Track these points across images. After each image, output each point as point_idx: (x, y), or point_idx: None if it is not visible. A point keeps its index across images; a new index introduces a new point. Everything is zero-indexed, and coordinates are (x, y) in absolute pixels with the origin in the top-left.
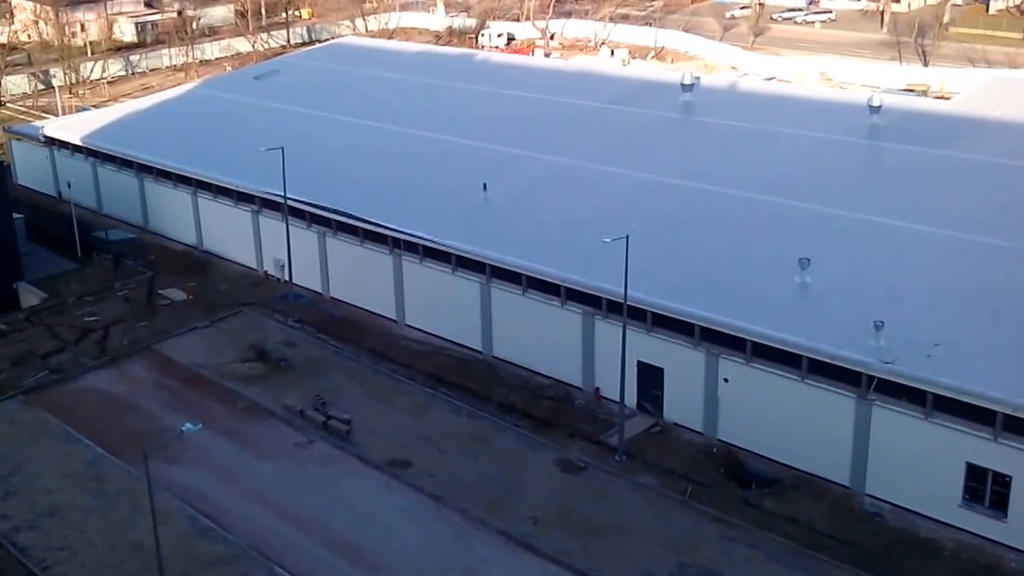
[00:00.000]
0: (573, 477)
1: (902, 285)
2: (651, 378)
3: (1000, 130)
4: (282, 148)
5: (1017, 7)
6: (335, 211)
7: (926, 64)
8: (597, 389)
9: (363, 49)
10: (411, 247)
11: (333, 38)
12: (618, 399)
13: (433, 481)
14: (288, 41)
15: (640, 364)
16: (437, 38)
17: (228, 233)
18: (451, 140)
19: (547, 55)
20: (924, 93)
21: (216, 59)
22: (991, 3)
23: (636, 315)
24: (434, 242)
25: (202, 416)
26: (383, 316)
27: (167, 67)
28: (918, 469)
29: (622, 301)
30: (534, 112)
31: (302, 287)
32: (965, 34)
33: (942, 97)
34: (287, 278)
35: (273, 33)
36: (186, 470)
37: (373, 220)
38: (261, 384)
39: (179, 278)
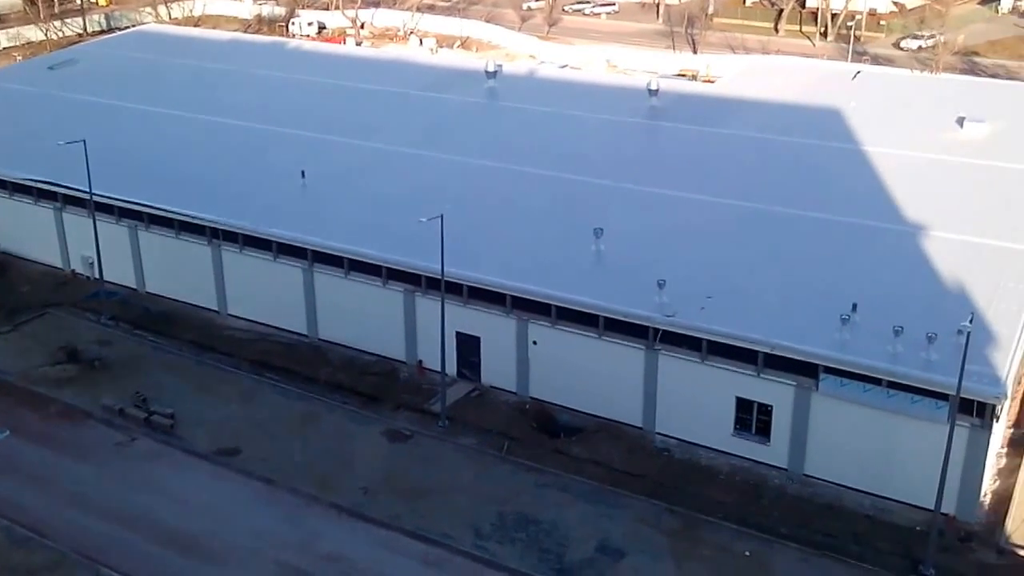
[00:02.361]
0: (400, 445)
1: (680, 247)
2: (469, 347)
3: (756, 108)
4: (84, 141)
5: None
6: (146, 204)
7: (695, 51)
8: (420, 361)
9: (167, 37)
10: (230, 236)
11: (134, 26)
12: (440, 369)
13: (263, 465)
14: (85, 29)
15: (459, 335)
16: (246, 26)
17: (28, 232)
18: (266, 129)
19: (358, 44)
20: (694, 77)
21: (3, 49)
22: None
23: (453, 289)
24: (254, 230)
25: (11, 424)
26: (204, 308)
27: None
28: (697, 406)
29: (440, 277)
30: (348, 99)
31: (114, 284)
32: (726, 24)
33: (708, 80)
34: (97, 275)
35: (67, 21)
36: None
37: (188, 211)
38: (75, 386)
39: None
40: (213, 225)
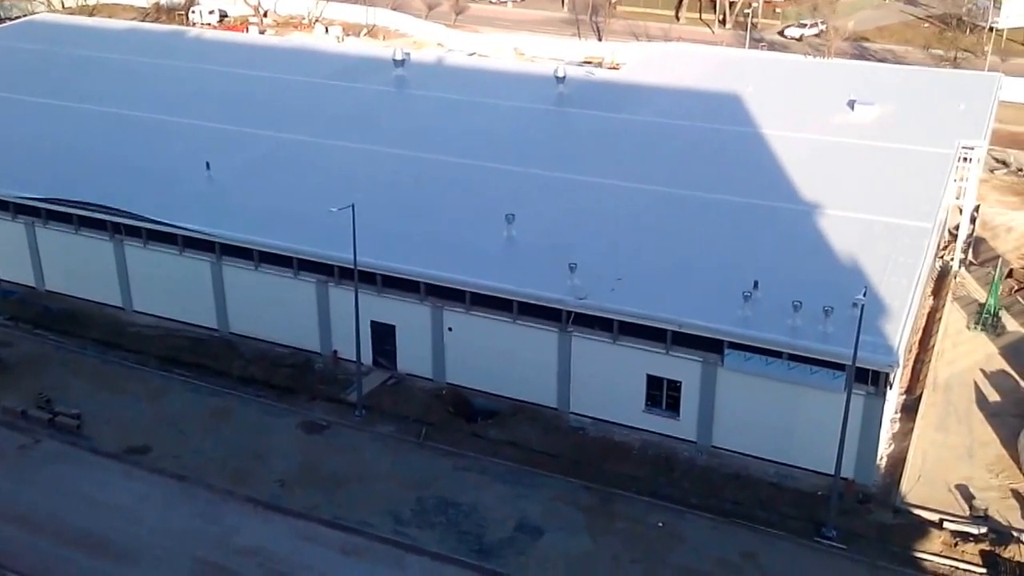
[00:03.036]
0: (317, 436)
1: (590, 230)
2: (384, 335)
3: (660, 94)
4: None
5: None
6: (43, 199)
7: (600, 39)
8: (335, 352)
9: (62, 27)
10: (133, 231)
11: (25, 15)
12: (355, 359)
13: (176, 462)
14: None
15: (373, 324)
16: (144, 15)
17: None
18: (168, 120)
19: (262, 32)
20: (599, 64)
21: None
22: None
23: (367, 279)
24: (158, 223)
25: None
26: (108, 305)
27: None
28: (610, 385)
29: (353, 267)
30: (254, 89)
31: (11, 283)
32: (630, 12)
33: (613, 67)
34: None
35: None
36: None
37: (87, 206)
38: None
39: None
40: (114, 220)
